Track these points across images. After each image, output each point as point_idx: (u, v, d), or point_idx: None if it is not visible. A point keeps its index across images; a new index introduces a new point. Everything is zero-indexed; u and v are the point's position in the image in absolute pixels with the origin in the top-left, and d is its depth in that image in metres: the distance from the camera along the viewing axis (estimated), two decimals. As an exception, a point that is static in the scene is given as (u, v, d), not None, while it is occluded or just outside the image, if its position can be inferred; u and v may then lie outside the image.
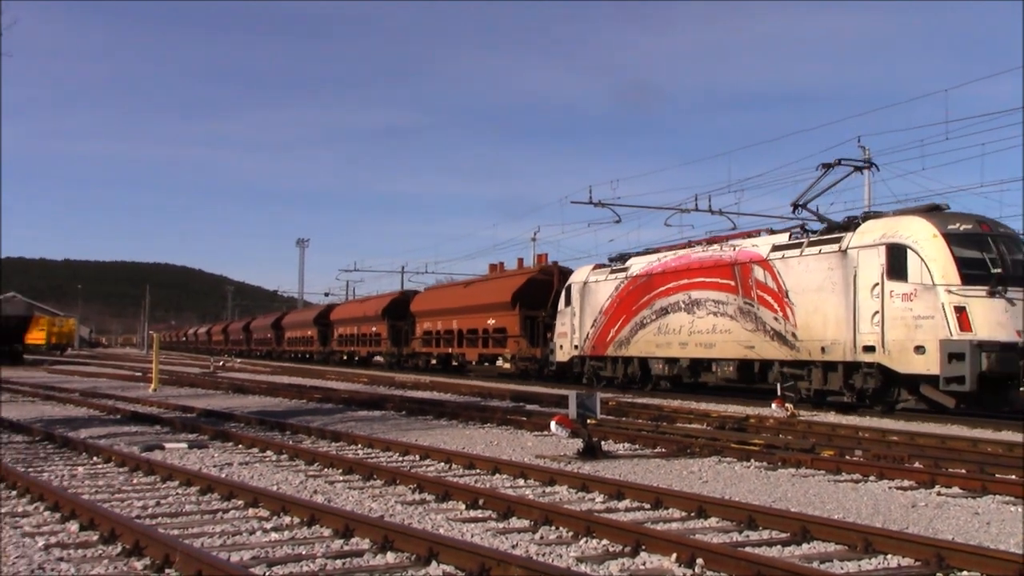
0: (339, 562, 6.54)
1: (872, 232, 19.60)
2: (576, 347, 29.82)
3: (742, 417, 18.18)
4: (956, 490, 9.99)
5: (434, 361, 43.59)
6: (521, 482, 10.27)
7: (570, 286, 30.65)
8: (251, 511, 8.32)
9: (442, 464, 11.65)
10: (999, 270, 17.94)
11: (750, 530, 7.72)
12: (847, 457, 12.26)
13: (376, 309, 49.49)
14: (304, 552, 6.79)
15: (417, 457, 12.27)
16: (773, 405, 19.63)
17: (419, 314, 44.43)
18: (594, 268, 30.09)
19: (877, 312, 18.91)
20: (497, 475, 10.73)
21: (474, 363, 40.74)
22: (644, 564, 6.58)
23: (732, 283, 23.02)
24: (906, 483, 10.40)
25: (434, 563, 6.37)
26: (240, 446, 13.46)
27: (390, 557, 6.61)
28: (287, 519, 7.90)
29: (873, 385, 19.36)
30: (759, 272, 22.18)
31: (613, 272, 28.47)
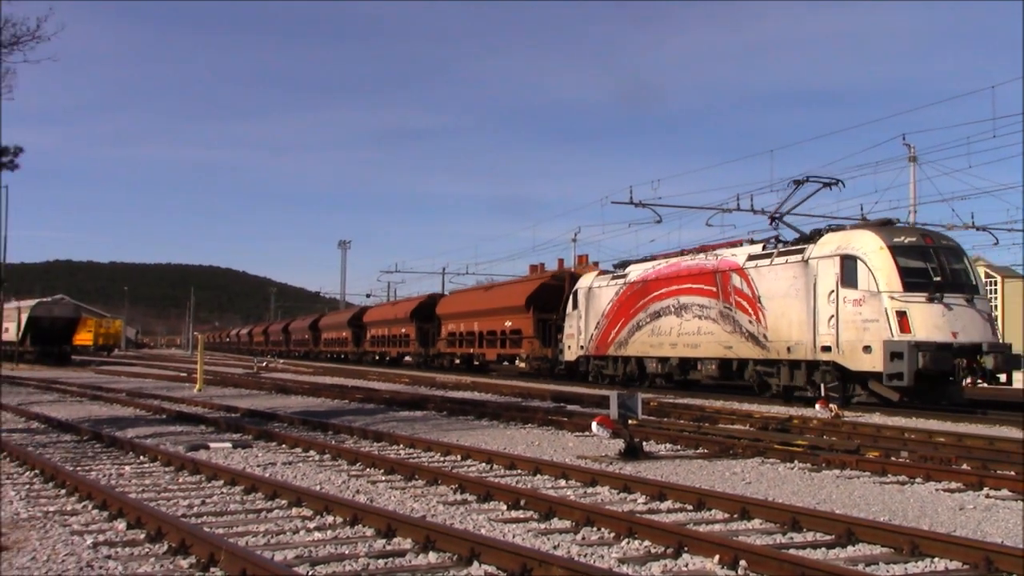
0: (381, 562, 6.57)
1: (829, 244, 21.68)
2: (582, 347, 31.93)
3: (785, 418, 18.02)
4: (1005, 492, 9.83)
5: (457, 361, 45.39)
6: (563, 483, 10.26)
7: (576, 291, 32.74)
8: (294, 511, 8.39)
9: (483, 464, 11.67)
10: (939, 278, 20.12)
11: (794, 532, 7.65)
12: (893, 458, 12.11)
13: (405, 312, 51.74)
14: (347, 552, 6.83)
15: (459, 457, 12.29)
16: (817, 406, 19.45)
17: (444, 316, 46.44)
18: (598, 274, 32.44)
19: (833, 316, 20.92)
20: (538, 476, 10.72)
21: (493, 363, 42.62)
22: (687, 566, 6.54)
23: (714, 289, 25.11)
24: (953, 485, 10.25)
25: (476, 563, 6.38)
26: (283, 446, 13.58)
27: (432, 557, 6.63)
28: (330, 519, 7.95)
29: (831, 381, 21.20)
30: (736, 279, 24.23)
31: (614, 278, 30.61)
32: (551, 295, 35.93)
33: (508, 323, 38.79)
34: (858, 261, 20.58)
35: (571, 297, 33.11)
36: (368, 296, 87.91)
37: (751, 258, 24.07)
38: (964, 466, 11.54)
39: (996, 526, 8.19)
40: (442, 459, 12.25)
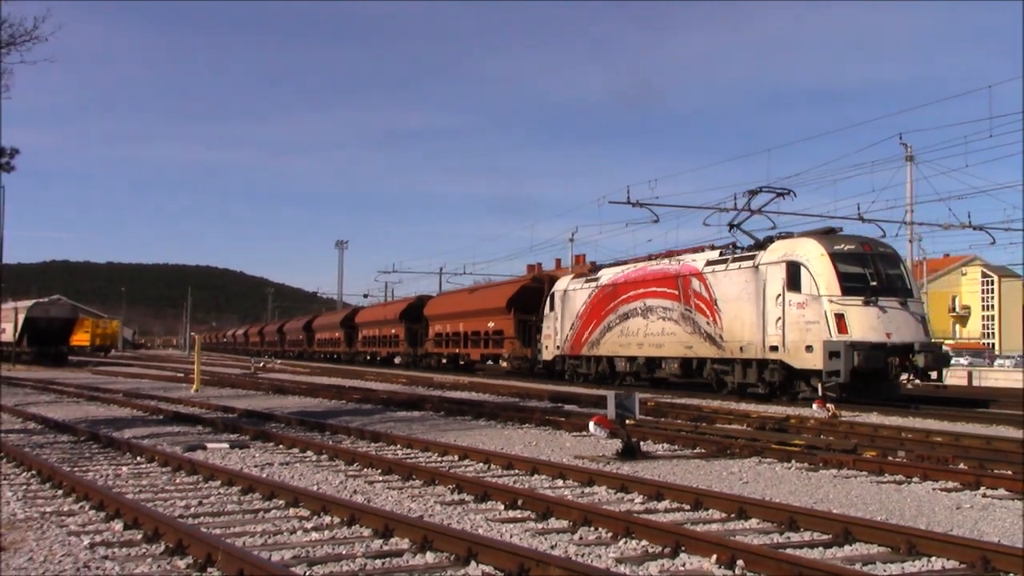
0: (379, 562, 6.57)
1: (777, 251, 23.15)
2: (558, 347, 33.34)
3: (783, 417, 18.04)
4: (1002, 492, 9.84)
5: (444, 361, 46.58)
6: (560, 482, 10.26)
7: (553, 293, 34.24)
8: (292, 511, 8.39)
9: (481, 464, 11.67)
10: (875, 283, 21.62)
11: (791, 531, 7.66)
12: (890, 458, 12.12)
13: (395, 313, 53.20)
14: (344, 552, 6.83)
15: (456, 457, 12.30)
16: (814, 406, 19.45)
17: (431, 318, 47.84)
18: (573, 277, 34.11)
19: (779, 318, 22.42)
20: (536, 475, 10.72)
21: (477, 362, 43.97)
22: (684, 565, 6.55)
23: (676, 292, 26.62)
24: (950, 484, 10.26)
25: (473, 563, 6.38)
26: (281, 446, 13.57)
27: (429, 557, 6.63)
28: (327, 519, 7.95)
29: (778, 379, 22.81)
30: (696, 283, 25.77)
31: (587, 281, 32.13)
32: (531, 297, 37.27)
33: (491, 324, 40.15)
34: (802, 267, 22.08)
35: (548, 299, 34.53)
36: (365, 296, 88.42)
37: (709, 263, 25.55)
38: (961, 465, 11.56)
39: (993, 525, 8.20)
40: (439, 459, 12.25)
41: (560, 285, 34.03)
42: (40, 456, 11.95)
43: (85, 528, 7.67)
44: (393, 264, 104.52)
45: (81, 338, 71.66)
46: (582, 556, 6.74)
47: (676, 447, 13.66)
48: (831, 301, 21.29)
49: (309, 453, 12.74)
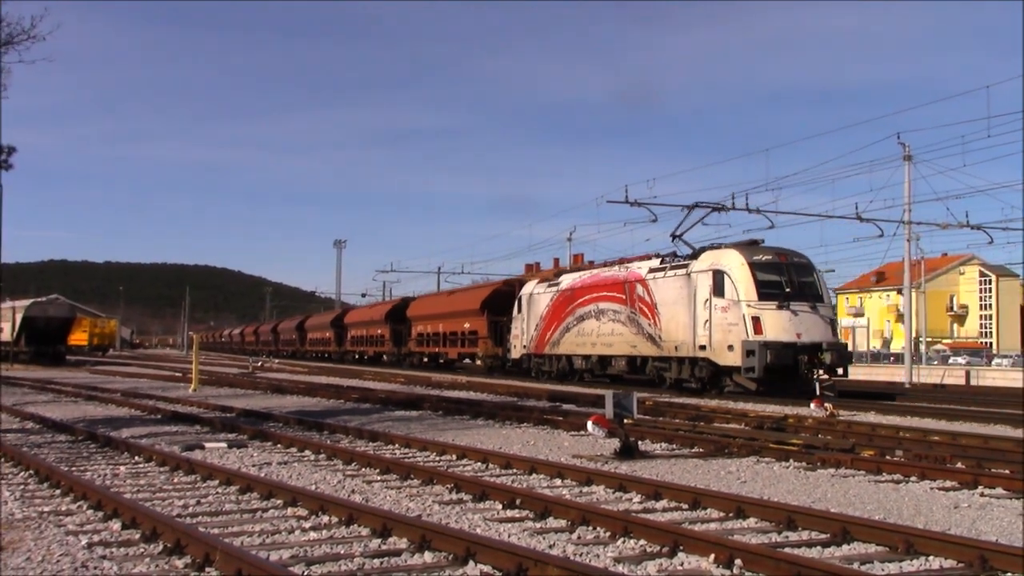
0: (377, 561, 6.57)
1: (706, 261, 25.73)
2: (525, 347, 36.02)
3: (780, 417, 18.05)
4: (1000, 491, 9.85)
5: (426, 359, 49.31)
6: (558, 482, 10.26)
7: (521, 297, 36.88)
8: (290, 510, 8.38)
9: (479, 464, 11.67)
10: (788, 289, 24.20)
11: (789, 531, 7.66)
12: (888, 457, 12.13)
13: (380, 314, 55.85)
14: (342, 551, 6.83)
15: (454, 457, 12.30)
16: (812, 405, 19.48)
17: (414, 318, 50.41)
18: (538, 282, 36.43)
19: (707, 320, 24.94)
20: (534, 475, 10.72)
21: (456, 360, 46.51)
22: (682, 564, 6.55)
23: (624, 297, 29.16)
24: (948, 484, 10.27)
25: (471, 563, 6.38)
26: (279, 446, 13.56)
27: (428, 556, 6.63)
28: (325, 518, 7.94)
29: (707, 375, 25.32)
30: (640, 289, 28.28)
31: (550, 286, 34.73)
32: (503, 300, 39.63)
33: (467, 325, 42.80)
34: (725, 275, 24.69)
35: (517, 302, 37.06)
36: (364, 296, 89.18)
37: (651, 271, 28.16)
38: (959, 465, 11.56)
39: (991, 524, 8.21)
40: (438, 459, 12.24)
41: (527, 289, 36.68)
42: (38, 456, 11.94)
43: (83, 528, 7.67)
44: (391, 263, 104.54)
45: (79, 337, 71.60)
46: (580, 555, 6.74)
47: (674, 446, 13.66)
48: (749, 305, 23.92)
49: (307, 452, 12.74)
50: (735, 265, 24.60)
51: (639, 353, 28.36)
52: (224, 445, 13.32)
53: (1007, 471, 10.91)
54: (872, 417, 18.89)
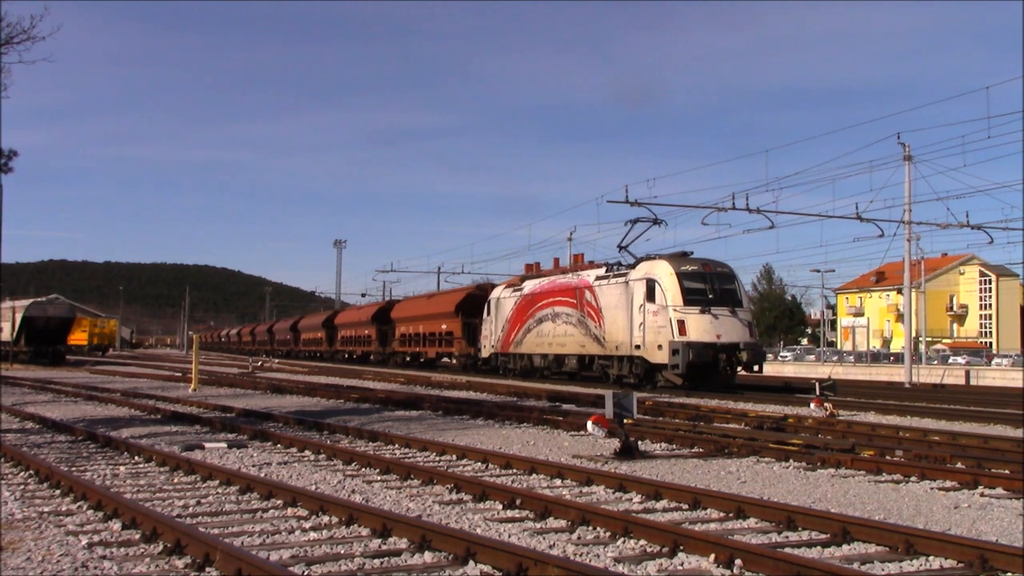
0: (377, 561, 6.57)
1: (641, 270, 28.76)
2: (493, 347, 39.01)
3: (780, 417, 18.04)
4: (1000, 491, 9.85)
5: (408, 359, 51.56)
6: (558, 482, 10.26)
7: (490, 300, 39.93)
8: (290, 510, 8.39)
9: (479, 464, 11.67)
10: (711, 296, 27.07)
11: (789, 531, 7.66)
12: (888, 457, 12.13)
13: (367, 316, 58.86)
14: (342, 551, 6.83)
15: (454, 457, 12.30)
16: (812, 405, 19.50)
17: (397, 320, 53.18)
18: (504, 287, 39.75)
19: (642, 323, 27.81)
20: (534, 475, 10.72)
21: (434, 359, 49.32)
22: (682, 565, 6.55)
23: (575, 301, 32.18)
24: (948, 484, 10.27)
25: (471, 563, 6.38)
26: (279, 446, 13.56)
27: (428, 557, 6.63)
28: (325, 518, 7.95)
29: (642, 371, 28.12)
30: (588, 294, 31.28)
31: (515, 291, 37.81)
32: (476, 302, 42.33)
33: (444, 326, 45.78)
34: (656, 283, 27.52)
35: (487, 305, 40.06)
36: (363, 296, 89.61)
37: (598, 278, 31.19)
38: (959, 465, 11.57)
39: (991, 524, 8.21)
40: (437, 459, 12.24)
41: (495, 294, 39.90)
42: (38, 456, 11.94)
43: (83, 528, 7.67)
44: (391, 263, 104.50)
45: (79, 337, 71.69)
46: (580, 556, 6.74)
47: (674, 446, 13.66)
48: (675, 310, 26.78)
49: (307, 453, 12.74)
50: (665, 275, 27.59)
51: (587, 352, 31.32)
52: (224, 445, 13.32)
53: (1007, 471, 10.91)
54: (872, 417, 18.89)
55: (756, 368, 27.44)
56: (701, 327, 26.46)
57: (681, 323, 26.51)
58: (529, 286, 36.65)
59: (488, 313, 39.66)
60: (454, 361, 46.29)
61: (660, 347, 26.89)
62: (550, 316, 33.77)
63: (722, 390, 25.91)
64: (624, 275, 29.52)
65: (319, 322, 70.85)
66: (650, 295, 27.53)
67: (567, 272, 35.28)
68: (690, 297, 26.87)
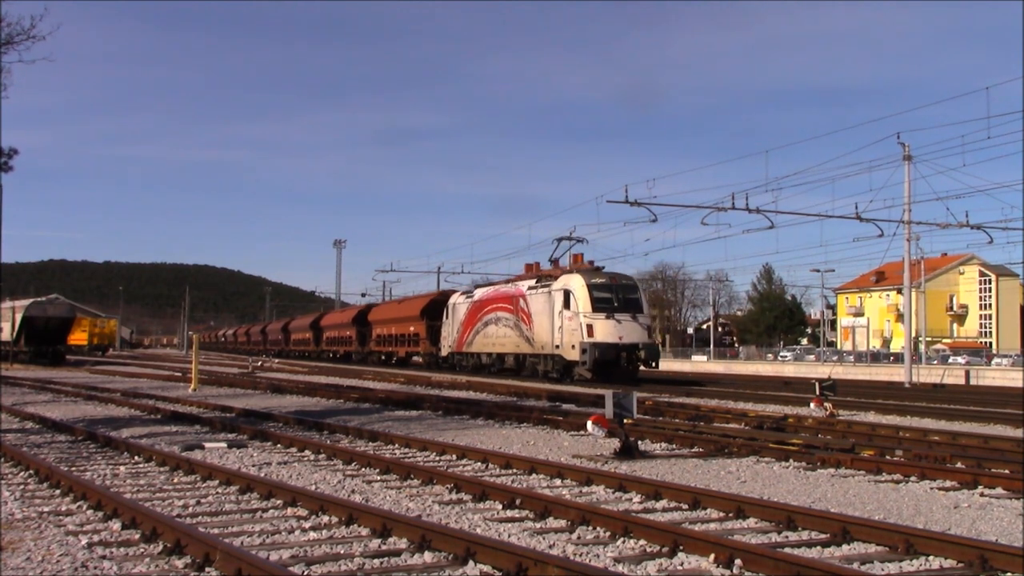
0: (377, 561, 6.57)
1: (560, 282, 33.65)
2: (450, 346, 43.66)
3: (780, 417, 18.04)
4: (1000, 491, 9.85)
5: (383, 357, 55.92)
6: (558, 482, 10.26)
7: (447, 306, 44.73)
8: (290, 510, 8.39)
9: (479, 464, 11.67)
10: (616, 304, 31.94)
11: (789, 531, 7.66)
12: (887, 457, 12.13)
13: (348, 318, 63.88)
14: (342, 551, 6.83)
15: (454, 457, 12.30)
16: (812, 405, 19.50)
17: (374, 322, 57.80)
18: (460, 294, 44.83)
19: (560, 327, 32.74)
20: (534, 475, 10.72)
21: (403, 358, 53.57)
22: (682, 564, 6.55)
23: (512, 307, 37.06)
24: (948, 483, 10.27)
25: (471, 563, 6.38)
26: (279, 446, 13.56)
27: (427, 556, 6.63)
28: (325, 518, 7.95)
29: (560, 367, 32.86)
30: (522, 302, 36.21)
31: (468, 297, 42.69)
32: (438, 307, 46.89)
33: (412, 328, 50.44)
34: (571, 293, 32.39)
35: (445, 310, 44.80)
36: (363, 296, 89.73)
37: (530, 288, 36.07)
38: (959, 465, 11.57)
39: (991, 524, 8.21)
40: (437, 459, 12.24)
41: (452, 300, 44.61)
42: (38, 456, 11.94)
43: (83, 528, 7.67)
44: (391, 263, 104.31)
45: (79, 337, 71.69)
46: (580, 555, 6.74)
47: (674, 446, 13.66)
48: (585, 316, 31.55)
49: (307, 452, 12.74)
50: (578, 286, 32.44)
51: (520, 351, 36.30)
52: (224, 445, 13.32)
53: (1007, 471, 10.91)
54: (872, 417, 18.89)
55: (653, 364, 32.74)
56: (606, 330, 31.34)
57: (590, 326, 31.31)
58: (479, 294, 41.87)
59: (447, 317, 44.44)
60: (419, 359, 50.75)
61: (574, 347, 31.77)
62: (494, 320, 38.64)
63: (624, 383, 28.74)
64: (548, 286, 34.46)
65: (307, 324, 76.15)
66: (566, 303, 32.43)
67: (510, 281, 40.66)
68: (598, 305, 31.73)
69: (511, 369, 37.49)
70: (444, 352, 44.60)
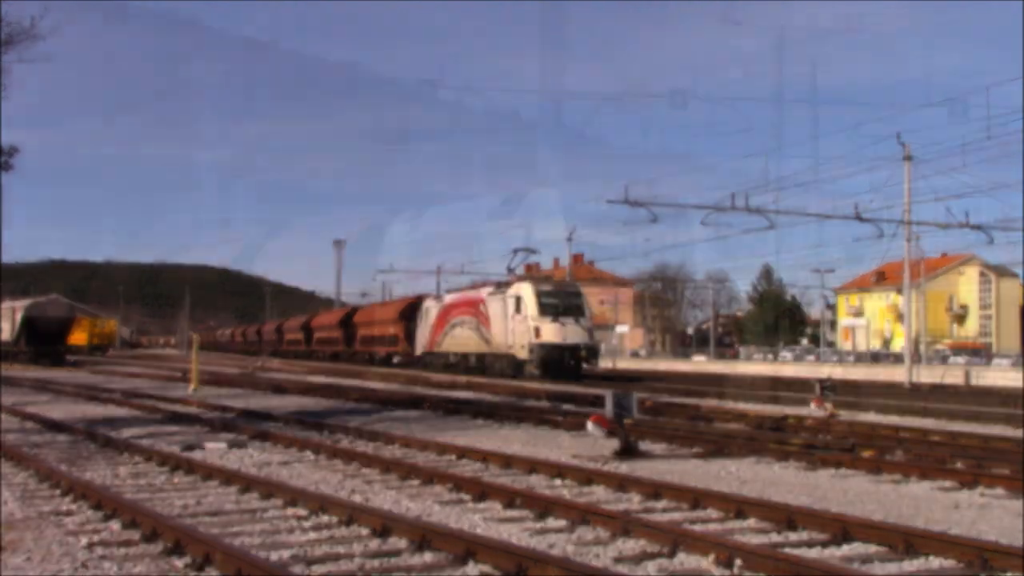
0: (377, 561, 6.57)
1: (513, 289, 37.38)
2: (423, 346, 46.84)
3: (780, 417, 18.03)
4: (1000, 491, 9.85)
5: (367, 356, 58.37)
6: (558, 482, 10.26)
7: (421, 309, 48.45)
8: (290, 510, 8.38)
9: (479, 464, 11.66)
10: (561, 309, 35.69)
11: (789, 531, 7.66)
12: (887, 457, 12.13)
13: (335, 320, 67.97)
14: (342, 551, 6.83)
15: (454, 457, 12.29)
16: (812, 405, 19.49)
17: (358, 324, 61.60)
18: (432, 298, 48.51)
19: (512, 329, 36.30)
20: (534, 475, 10.72)
21: (384, 357, 56.07)
22: (682, 564, 6.55)
23: (474, 311, 40.61)
24: (948, 483, 10.27)
25: (471, 563, 6.38)
26: (279, 446, 13.55)
27: (427, 556, 6.63)
28: (325, 518, 7.94)
29: (513, 366, 35.93)
30: (482, 307, 39.65)
31: (438, 301, 46.35)
32: (414, 310, 50.38)
33: (391, 330, 53.96)
34: (521, 299, 36.08)
35: (419, 313, 48.41)
36: (363, 296, 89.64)
37: (489, 294, 39.57)
38: (959, 464, 11.56)
39: (991, 524, 8.20)
40: (437, 459, 12.24)
41: (425, 304, 48.22)
42: (38, 456, 11.94)
43: (83, 528, 7.67)
44: (391, 263, 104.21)
45: (79, 337, 71.56)
46: (580, 555, 6.74)
47: (674, 446, 13.65)
48: (533, 319, 35.19)
49: (307, 452, 12.73)
50: (528, 293, 36.27)
51: (481, 351, 39.54)
52: (224, 445, 13.32)
53: (1007, 471, 10.90)
54: (872, 417, 18.88)
55: (593, 362, 36.88)
56: (552, 332, 35.04)
57: (537, 329, 34.95)
58: (448, 298, 45.77)
59: (421, 319, 47.96)
60: (396, 359, 53.87)
61: (523, 347, 35.40)
62: (459, 323, 42.21)
63: (569, 379, 31.86)
64: (503, 291, 38.18)
65: (299, 325, 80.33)
66: (517, 307, 36.10)
67: (475, 288, 44.83)
68: (545, 310, 35.43)
69: (475, 367, 39.89)
70: (418, 351, 47.73)
